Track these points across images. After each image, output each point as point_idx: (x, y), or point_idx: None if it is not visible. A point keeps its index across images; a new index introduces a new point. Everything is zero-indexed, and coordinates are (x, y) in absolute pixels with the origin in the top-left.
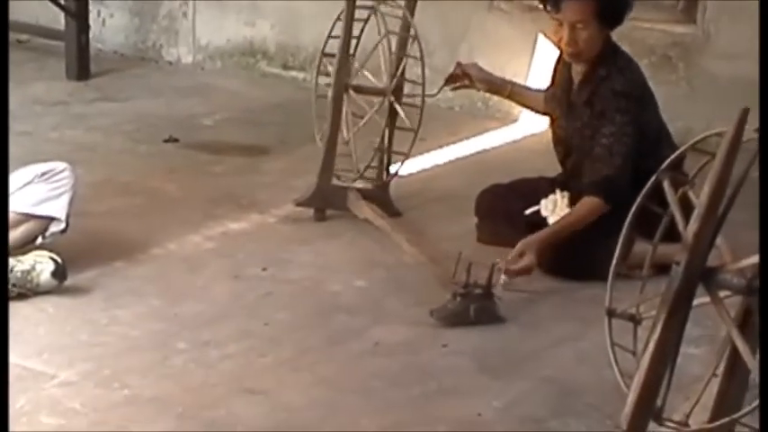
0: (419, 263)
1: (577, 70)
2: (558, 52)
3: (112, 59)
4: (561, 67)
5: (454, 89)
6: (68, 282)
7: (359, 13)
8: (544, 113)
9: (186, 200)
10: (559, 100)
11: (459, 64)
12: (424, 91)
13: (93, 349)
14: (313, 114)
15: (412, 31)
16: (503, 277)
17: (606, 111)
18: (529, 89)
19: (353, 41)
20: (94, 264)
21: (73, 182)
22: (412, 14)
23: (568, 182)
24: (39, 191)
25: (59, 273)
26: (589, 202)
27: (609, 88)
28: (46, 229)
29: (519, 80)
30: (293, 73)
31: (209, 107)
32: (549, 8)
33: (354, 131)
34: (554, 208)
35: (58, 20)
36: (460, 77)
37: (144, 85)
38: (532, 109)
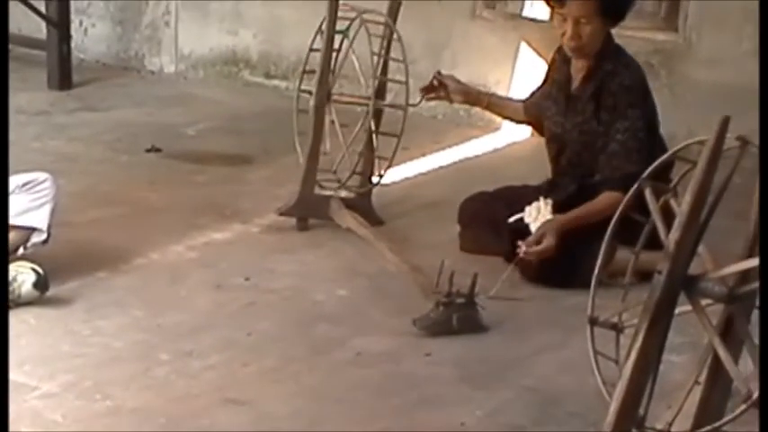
0: (402, 272)
1: (578, 66)
2: (552, 51)
3: (95, 69)
4: (559, 63)
5: (430, 100)
6: (50, 293)
7: (341, 23)
8: (523, 122)
9: (169, 210)
10: (555, 97)
11: (437, 74)
12: (407, 98)
13: (75, 360)
14: (294, 130)
15: (395, 36)
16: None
17: (618, 105)
18: (506, 99)
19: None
20: (76, 274)
21: (54, 192)
22: (394, 22)
23: (559, 181)
24: (20, 201)
25: (41, 284)
26: (613, 196)
27: (617, 83)
28: (27, 239)
29: (501, 87)
30: (276, 82)
31: (192, 116)
32: (553, 3)
33: (347, 144)
34: (537, 215)
35: (41, 29)
36: (437, 88)
37: (126, 95)
38: (510, 119)
